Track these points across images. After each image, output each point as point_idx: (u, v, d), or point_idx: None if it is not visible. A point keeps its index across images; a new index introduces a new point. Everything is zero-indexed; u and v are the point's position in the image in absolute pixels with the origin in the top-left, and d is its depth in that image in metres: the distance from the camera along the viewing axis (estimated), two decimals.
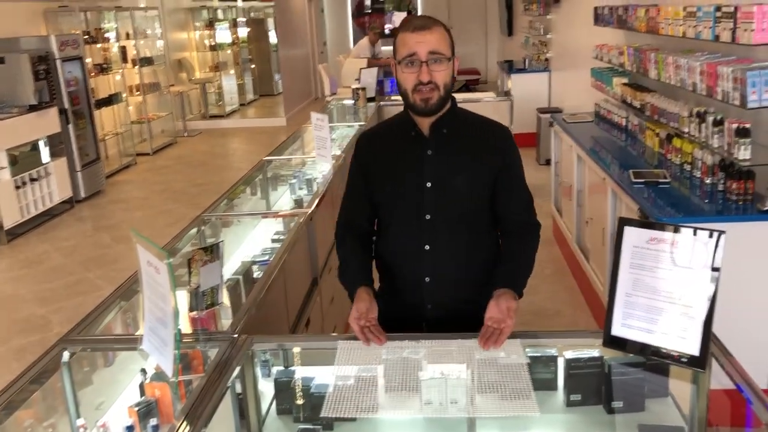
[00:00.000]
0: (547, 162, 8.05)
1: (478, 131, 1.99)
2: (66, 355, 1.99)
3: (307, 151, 5.36)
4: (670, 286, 1.62)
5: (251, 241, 3.68)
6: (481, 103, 6.78)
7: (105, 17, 9.18)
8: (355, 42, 16.93)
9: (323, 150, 4.12)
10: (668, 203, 3.20)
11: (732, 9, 2.83)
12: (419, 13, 16.66)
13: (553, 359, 2.08)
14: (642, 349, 1.67)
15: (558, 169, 5.52)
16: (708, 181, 3.32)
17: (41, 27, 8.00)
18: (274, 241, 3.62)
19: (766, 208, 2.88)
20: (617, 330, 1.70)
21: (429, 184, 1.96)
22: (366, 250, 2.12)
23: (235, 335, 1.99)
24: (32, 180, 6.62)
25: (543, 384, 2.03)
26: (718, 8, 2.98)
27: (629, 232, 1.69)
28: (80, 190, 7.50)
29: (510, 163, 1.99)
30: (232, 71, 14.03)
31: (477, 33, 16.47)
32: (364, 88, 6.39)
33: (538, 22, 9.34)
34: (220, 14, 13.81)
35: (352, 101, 7.05)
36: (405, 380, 1.89)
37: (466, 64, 15.78)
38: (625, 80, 4.70)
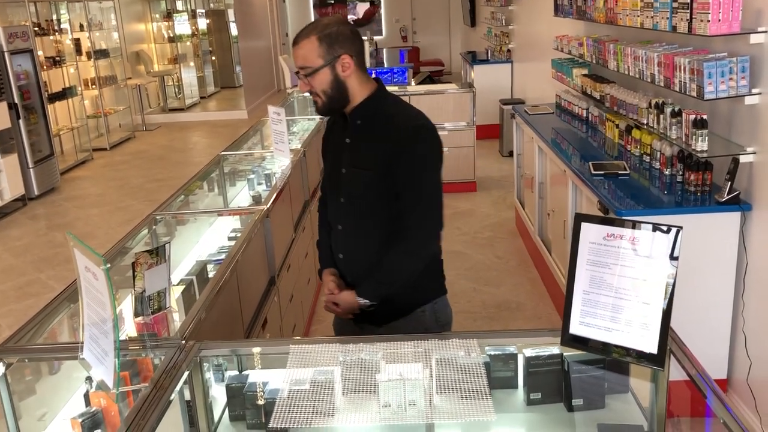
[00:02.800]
0: (510, 154, 8.06)
1: (388, 124, 2.01)
2: (1, 366, 1.87)
3: (266, 146, 5.26)
4: (628, 282, 1.58)
5: (207, 240, 3.58)
6: (443, 95, 6.73)
7: (57, 8, 8.90)
8: (299, 35, 16.77)
9: (281, 144, 4.03)
10: (627, 195, 3.19)
11: (688, 0, 2.81)
12: (382, 4, 16.56)
13: (512, 357, 2.04)
14: (601, 347, 1.63)
15: (520, 161, 5.51)
16: (667, 172, 3.32)
17: None
18: (230, 239, 3.52)
19: (723, 200, 2.88)
20: (576, 328, 1.66)
21: (344, 170, 2.10)
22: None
23: (183, 341, 1.90)
24: None
25: (503, 382, 2.00)
26: None
27: (586, 228, 1.65)
28: (33, 188, 7.27)
29: (405, 160, 1.97)
30: (192, 63, 13.77)
31: (441, 24, 16.45)
32: None
33: (500, 13, 9.33)
34: (179, 5, 13.53)
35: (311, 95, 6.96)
36: (362, 382, 1.84)
37: (429, 54, 15.76)
38: (584, 71, 4.70)
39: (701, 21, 2.76)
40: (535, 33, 7.55)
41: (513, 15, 8.79)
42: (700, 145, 2.93)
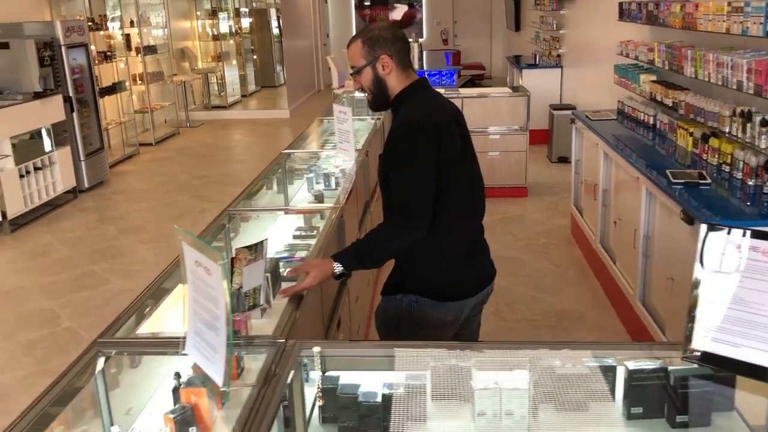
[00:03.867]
0: (560, 160, 7.95)
1: (395, 121, 2.21)
2: (101, 360, 1.85)
3: (321, 144, 5.24)
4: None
5: (272, 237, 3.55)
6: (496, 99, 6.65)
7: (109, 4, 8.99)
8: (350, 39, 16.77)
9: (346, 144, 3.99)
10: (709, 205, 3.08)
11: None
12: (423, 7, 16.51)
13: (611, 369, 1.97)
14: (738, 366, 1.55)
15: (579, 167, 5.41)
16: (751, 183, 3.21)
17: (45, 12, 7.82)
18: (296, 237, 3.50)
19: None
20: (707, 345, 1.58)
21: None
22: None
23: (282, 340, 1.86)
24: (36, 169, 6.46)
25: (602, 395, 1.93)
26: None
27: (717, 238, 1.57)
28: (84, 180, 7.33)
29: (387, 156, 2.18)
30: (234, 62, 13.85)
31: (482, 28, 16.34)
32: None
33: (550, 18, 9.21)
34: (223, 3, 13.61)
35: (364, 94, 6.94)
36: (454, 389, 1.79)
37: (470, 58, 15.66)
38: (653, 77, 4.58)
39: None
40: (590, 38, 7.44)
41: (564, 19, 8.68)
42: None
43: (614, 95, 5.96)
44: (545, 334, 3.98)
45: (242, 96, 13.93)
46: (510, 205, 6.31)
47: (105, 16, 8.75)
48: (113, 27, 8.88)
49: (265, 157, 9.04)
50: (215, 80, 12.99)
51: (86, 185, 7.37)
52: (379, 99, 2.23)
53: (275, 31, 15.78)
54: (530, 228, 5.73)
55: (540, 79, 8.77)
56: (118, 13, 9.09)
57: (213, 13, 13.10)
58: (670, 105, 4.15)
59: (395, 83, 2.19)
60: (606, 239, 4.59)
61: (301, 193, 4.33)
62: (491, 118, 6.61)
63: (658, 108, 4.52)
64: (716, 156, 3.58)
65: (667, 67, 4.18)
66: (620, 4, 5.18)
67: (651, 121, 4.61)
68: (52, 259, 5.46)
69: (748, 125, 3.14)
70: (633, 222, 3.87)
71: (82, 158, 7.28)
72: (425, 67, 9.06)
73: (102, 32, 8.67)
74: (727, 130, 3.38)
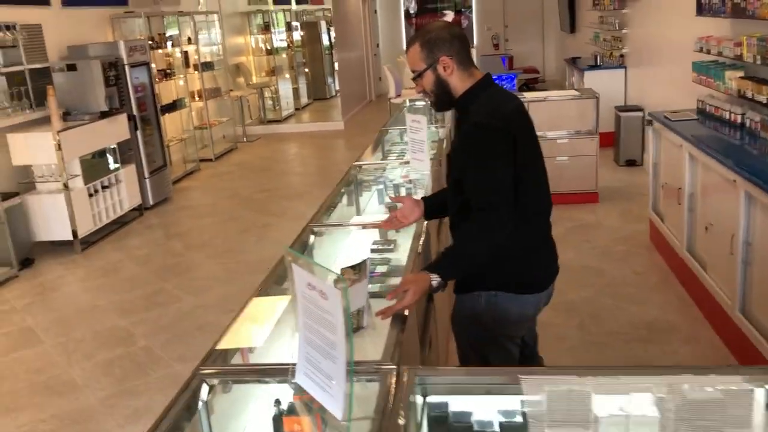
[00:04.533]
0: (628, 163, 7.69)
1: (464, 121, 2.20)
2: (205, 390, 1.76)
3: (385, 155, 5.14)
4: None
5: (349, 253, 3.45)
6: (561, 102, 6.46)
7: (168, 22, 9.11)
8: (407, 43, 16.71)
9: (420, 153, 3.87)
10: None
11: None
12: (473, 13, 16.35)
13: (746, 393, 1.79)
14: None
15: (657, 170, 5.17)
16: None
17: (108, 33, 7.95)
18: (373, 251, 3.39)
19: None
20: None
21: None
22: None
23: (394, 366, 1.74)
24: (104, 188, 6.54)
25: (738, 421, 1.75)
26: None
27: None
28: (149, 197, 7.40)
29: (462, 157, 2.17)
30: (288, 75, 13.92)
31: (534, 31, 16.09)
32: None
33: (611, 17, 8.95)
34: (274, 18, 13.70)
35: (423, 102, 6.85)
36: (573, 416, 1.65)
37: (522, 62, 15.41)
38: (740, 73, 4.34)
39: None
40: (657, 36, 7.17)
41: (627, 18, 8.40)
42: None
43: (688, 94, 5.71)
44: (637, 348, 3.78)
45: (296, 109, 13.98)
46: (582, 211, 6.09)
47: (164, 34, 8.86)
48: (171, 45, 8.98)
49: (324, 169, 9.02)
50: (269, 94, 13.07)
51: (151, 202, 7.44)
52: (443, 100, 2.23)
53: (326, 43, 15.83)
54: (606, 235, 5.50)
55: (603, 80, 8.51)
56: (176, 32, 9.19)
57: (266, 28, 13.20)
58: (764, 102, 3.90)
59: (458, 83, 2.20)
60: (693, 246, 4.35)
61: (371, 206, 4.23)
62: (559, 122, 6.41)
63: (747, 105, 4.27)
64: None
65: (759, 62, 3.94)
66: None
67: (739, 120, 4.36)
68: (123, 277, 5.49)
69: None
70: (729, 227, 3.64)
71: (146, 176, 7.34)
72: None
73: (161, 50, 8.78)
74: None
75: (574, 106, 6.43)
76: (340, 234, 3.68)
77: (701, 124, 4.70)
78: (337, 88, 16.44)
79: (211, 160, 9.78)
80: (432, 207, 2.56)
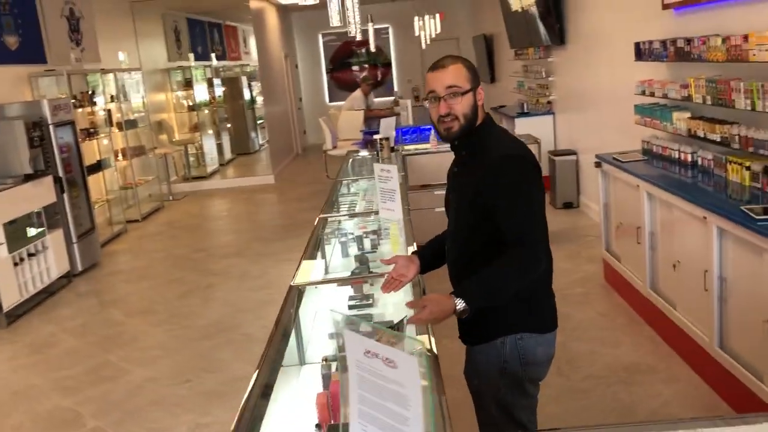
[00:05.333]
0: (565, 206, 7.84)
1: (481, 155, 2.15)
2: None
3: (336, 208, 5.00)
4: None
5: (326, 311, 3.26)
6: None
7: (90, 80, 8.73)
8: (331, 96, 16.80)
9: (391, 203, 3.74)
10: None
11: None
12: (393, 65, 16.64)
13: None
14: None
15: (608, 211, 5.25)
16: None
17: (26, 92, 7.51)
18: (352, 307, 3.24)
19: None
20: None
21: (452, 196, 2.33)
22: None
23: None
24: (30, 255, 6.06)
25: None
26: None
27: None
28: (77, 264, 6.93)
29: (494, 191, 2.07)
30: (211, 131, 13.64)
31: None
32: (387, 138, 6.08)
33: (536, 66, 9.25)
34: (195, 74, 13.46)
35: (368, 153, 6.81)
36: None
37: None
38: (687, 114, 4.49)
39: None
40: (586, 82, 7.42)
41: (553, 67, 8.71)
42: None
43: (624, 136, 5.90)
44: (622, 392, 3.72)
45: (220, 165, 13.68)
46: None
47: (87, 92, 8.47)
48: (94, 103, 8.59)
49: (260, 225, 8.76)
50: (193, 151, 12.73)
51: (80, 268, 6.96)
52: (466, 127, 2.16)
53: (247, 98, 15.68)
54: (561, 278, 5.49)
55: (533, 126, 8.71)
56: (99, 89, 8.82)
57: (187, 84, 12.93)
58: (718, 140, 4.03)
59: (480, 115, 2.20)
60: (657, 284, 4.40)
61: (335, 259, 4.07)
62: None
63: (696, 144, 4.41)
64: None
65: (709, 102, 4.08)
66: (637, 44, 5.13)
67: (689, 159, 4.49)
68: (59, 352, 5.03)
69: None
70: (700, 264, 3.68)
71: (74, 240, 6.88)
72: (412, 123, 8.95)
73: (83, 109, 8.38)
74: None
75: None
76: (310, 293, 3.50)
77: (651, 165, 4.82)
78: (260, 142, 16.33)
79: (138, 220, 9.33)
80: (426, 260, 2.43)
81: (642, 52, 5.06)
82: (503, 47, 11.67)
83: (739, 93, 3.70)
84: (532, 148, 6.38)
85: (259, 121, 15.90)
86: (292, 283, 2.96)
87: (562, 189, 7.86)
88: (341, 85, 16.68)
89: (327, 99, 16.80)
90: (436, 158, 6.44)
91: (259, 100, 17.50)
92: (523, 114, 9.11)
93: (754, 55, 3.53)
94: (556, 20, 7.89)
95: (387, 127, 6.35)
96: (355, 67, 16.73)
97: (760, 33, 3.47)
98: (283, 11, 15.09)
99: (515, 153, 2.12)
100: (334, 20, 7.02)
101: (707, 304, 3.64)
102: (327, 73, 16.74)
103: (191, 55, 13.30)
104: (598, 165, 5.28)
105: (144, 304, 5.97)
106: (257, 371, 2.02)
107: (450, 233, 2.35)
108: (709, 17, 4.41)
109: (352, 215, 4.38)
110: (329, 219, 4.28)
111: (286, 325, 2.52)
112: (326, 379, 2.18)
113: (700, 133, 4.26)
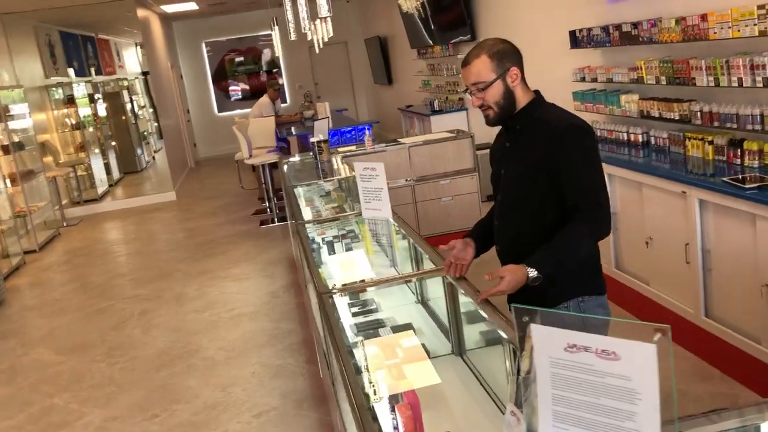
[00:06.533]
0: (490, 198, 7.93)
1: (542, 126, 2.20)
2: None
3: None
4: None
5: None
6: (442, 144, 6.53)
7: None
8: (219, 106, 16.23)
9: (376, 202, 3.58)
10: None
11: None
12: (283, 74, 16.32)
13: None
14: None
15: None
16: None
17: None
18: (356, 314, 3.10)
19: None
20: None
21: (503, 171, 2.34)
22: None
23: None
24: None
25: None
26: None
27: None
28: None
29: (562, 158, 2.12)
30: (97, 150, 12.76)
31: (344, 86, 16.43)
32: (326, 140, 5.87)
33: (443, 64, 9.34)
34: (75, 90, 12.52)
35: (298, 158, 6.59)
36: None
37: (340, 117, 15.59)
38: (635, 97, 4.63)
39: None
40: None
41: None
42: None
43: None
44: None
45: (110, 185, 12.82)
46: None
47: None
48: None
49: (179, 244, 8.24)
50: (82, 172, 11.84)
51: None
52: (506, 112, 2.23)
53: (130, 113, 14.83)
54: None
55: (448, 123, 8.79)
56: None
57: (69, 102, 12.01)
58: (677, 118, 4.17)
59: (521, 94, 2.24)
60: (623, 263, 4.50)
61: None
62: (438, 164, 6.45)
63: (650, 125, 4.56)
64: (756, 159, 3.60)
65: (664, 82, 4.22)
66: (572, 32, 5.25)
67: (640, 139, 4.63)
68: None
69: None
70: (679, 237, 3.79)
71: None
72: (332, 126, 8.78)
73: None
74: None
75: (451, 147, 6.52)
76: None
77: (600, 147, 4.93)
78: (147, 159, 15.49)
79: (35, 251, 8.52)
80: (479, 243, 2.48)
81: (579, 40, 5.18)
82: (401, 48, 11.73)
83: (701, 70, 3.84)
84: (466, 142, 6.46)
85: (162, 135, 15.09)
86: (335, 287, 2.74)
87: (486, 182, 7.94)
88: (231, 93, 16.19)
89: (216, 109, 16.24)
90: (373, 159, 6.31)
91: (143, 114, 16.63)
92: (436, 112, 9.15)
93: (714, 33, 3.68)
94: (467, 16, 7.99)
95: (320, 129, 6.14)
96: (248, 76, 16.28)
97: (720, 12, 3.61)
98: (165, 20, 14.41)
99: (579, 123, 2.19)
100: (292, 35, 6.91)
101: (691, 276, 3.75)
102: (214, 83, 16.15)
103: (70, 70, 12.38)
104: None
105: (75, 339, 5.42)
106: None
107: (507, 206, 2.34)
108: (642, 3, 4.56)
109: (332, 219, 4.16)
110: (305, 225, 4.03)
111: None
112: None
113: (654, 113, 4.40)
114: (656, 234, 4.08)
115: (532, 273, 2.03)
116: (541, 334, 1.28)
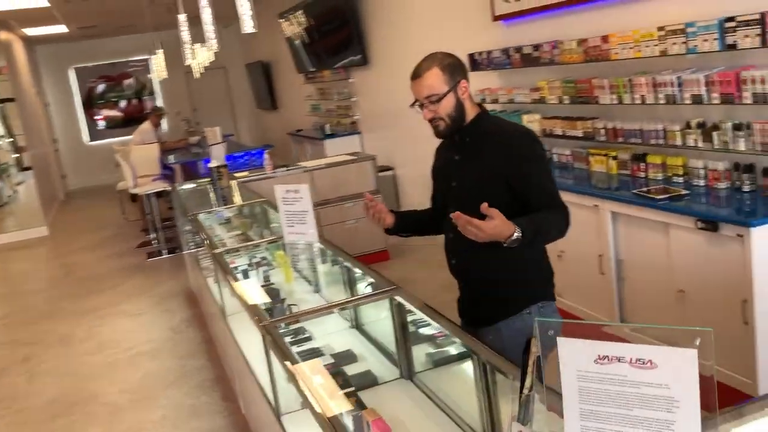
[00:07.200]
0: None
1: (493, 138, 2.26)
2: None
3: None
4: None
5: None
6: (344, 167, 6.46)
7: None
8: (91, 134, 15.35)
9: (302, 226, 3.45)
10: (721, 209, 3.23)
11: (758, 16, 2.99)
12: (159, 97, 15.71)
13: None
14: None
15: None
16: (722, 185, 3.44)
17: None
18: (293, 343, 2.94)
19: None
20: None
21: (453, 184, 2.37)
22: (424, 214, 2.61)
23: None
24: None
25: None
26: (729, 19, 3.14)
27: None
28: None
29: (516, 161, 2.20)
30: None
31: (224, 112, 16.03)
32: (225, 165, 5.63)
33: (333, 88, 9.31)
34: None
35: (194, 186, 6.30)
36: None
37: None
38: (537, 116, 4.79)
39: None
40: (394, 99, 7.61)
41: (355, 88, 8.83)
42: None
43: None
44: None
45: None
46: (381, 269, 6.07)
47: None
48: None
49: (59, 281, 7.61)
50: None
51: None
52: (457, 124, 2.27)
53: None
54: (426, 287, 5.54)
55: (342, 146, 8.74)
56: None
57: None
58: (580, 135, 4.34)
59: (469, 106, 2.29)
60: None
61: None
62: (342, 187, 6.38)
63: (551, 143, 4.72)
64: (660, 171, 3.80)
65: (567, 102, 4.39)
66: (471, 55, 5.37)
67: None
68: None
69: (714, 134, 3.38)
70: (592, 249, 3.93)
71: None
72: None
73: None
74: (678, 143, 3.61)
75: (354, 170, 6.47)
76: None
77: None
78: (9, 193, 14.32)
79: None
80: (399, 219, 2.56)
81: (479, 63, 5.31)
82: (287, 72, 11.61)
83: (604, 89, 4.03)
84: (367, 165, 6.45)
85: (31, 167, 13.93)
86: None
87: (387, 202, 7.96)
88: (102, 121, 15.37)
89: (87, 138, 15.34)
90: (272, 183, 6.13)
91: (1, 144, 15.37)
92: (329, 136, 9.08)
93: (616, 53, 3.87)
94: (358, 41, 8.02)
95: (217, 155, 5.90)
96: (121, 103, 15.52)
97: (622, 33, 3.81)
98: (29, 44, 13.47)
99: (527, 130, 2.35)
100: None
101: (605, 285, 3.89)
102: (85, 110, 15.26)
103: None
104: None
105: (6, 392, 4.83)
106: None
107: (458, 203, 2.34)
108: (541, 26, 4.75)
109: (255, 245, 3.97)
110: (215, 253, 3.81)
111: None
112: (357, 422, 1.90)
113: (558, 131, 4.56)
114: (568, 247, 4.20)
115: (517, 234, 2.03)
116: (568, 347, 1.23)
